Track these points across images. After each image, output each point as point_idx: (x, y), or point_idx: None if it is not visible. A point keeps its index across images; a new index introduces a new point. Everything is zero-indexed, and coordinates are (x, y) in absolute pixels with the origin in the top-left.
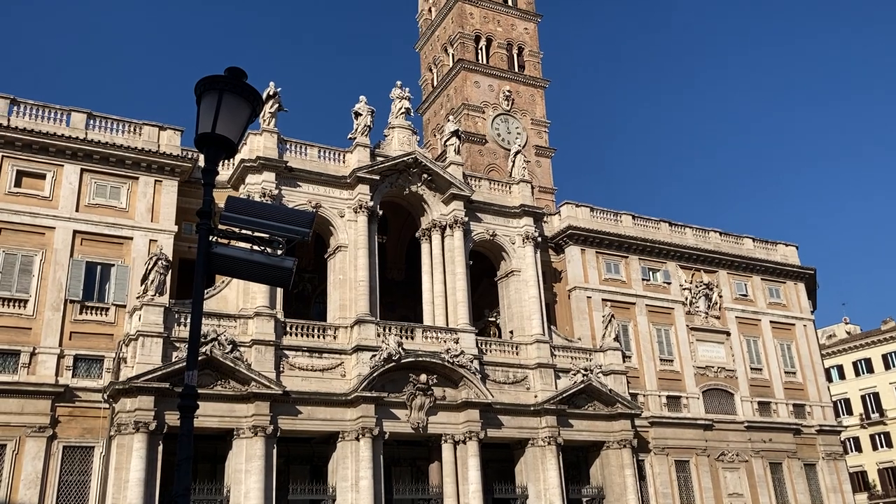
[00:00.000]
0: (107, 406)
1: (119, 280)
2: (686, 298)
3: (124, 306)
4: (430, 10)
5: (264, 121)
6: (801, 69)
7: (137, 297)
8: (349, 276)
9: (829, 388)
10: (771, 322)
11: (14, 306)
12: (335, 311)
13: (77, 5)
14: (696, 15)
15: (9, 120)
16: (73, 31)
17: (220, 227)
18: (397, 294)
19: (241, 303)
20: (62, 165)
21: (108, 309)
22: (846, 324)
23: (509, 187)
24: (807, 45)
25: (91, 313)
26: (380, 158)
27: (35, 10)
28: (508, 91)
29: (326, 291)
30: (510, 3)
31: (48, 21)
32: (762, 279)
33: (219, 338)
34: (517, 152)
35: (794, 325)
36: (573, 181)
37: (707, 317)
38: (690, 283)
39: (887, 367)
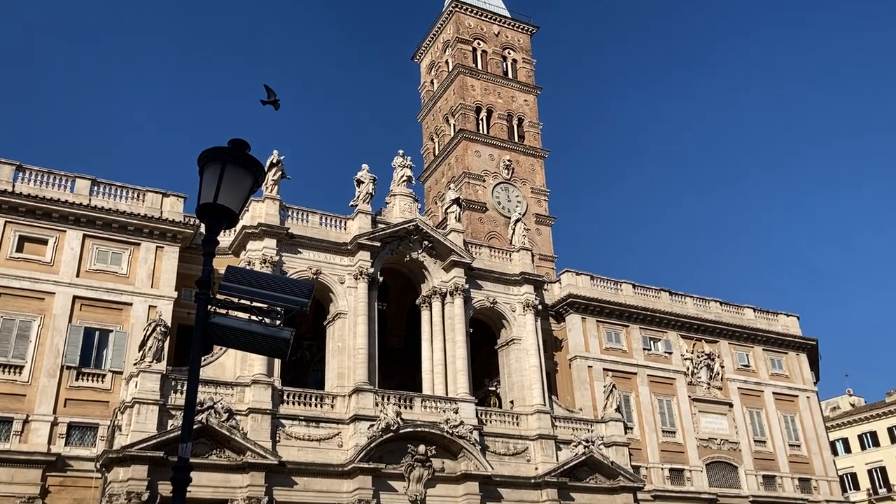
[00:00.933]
0: (99, 476)
1: (117, 346)
2: (688, 369)
3: (121, 373)
4: (432, 83)
5: (267, 188)
6: (801, 141)
7: (135, 364)
8: (348, 344)
9: (834, 461)
10: (774, 393)
11: (9, 372)
12: (333, 379)
13: (84, 73)
14: (693, 82)
15: (13, 186)
16: (83, 99)
17: (219, 296)
18: (396, 362)
19: (238, 370)
20: (65, 231)
21: (104, 375)
22: (850, 395)
23: (510, 255)
24: (805, 113)
25: (87, 380)
26: (381, 225)
27: (43, 75)
28: (508, 160)
29: (325, 359)
30: (510, 76)
31: (57, 88)
32: (764, 350)
33: (215, 406)
34: (517, 220)
35: (797, 396)
36: (573, 249)
37: (709, 387)
38: (692, 353)
39: (893, 440)
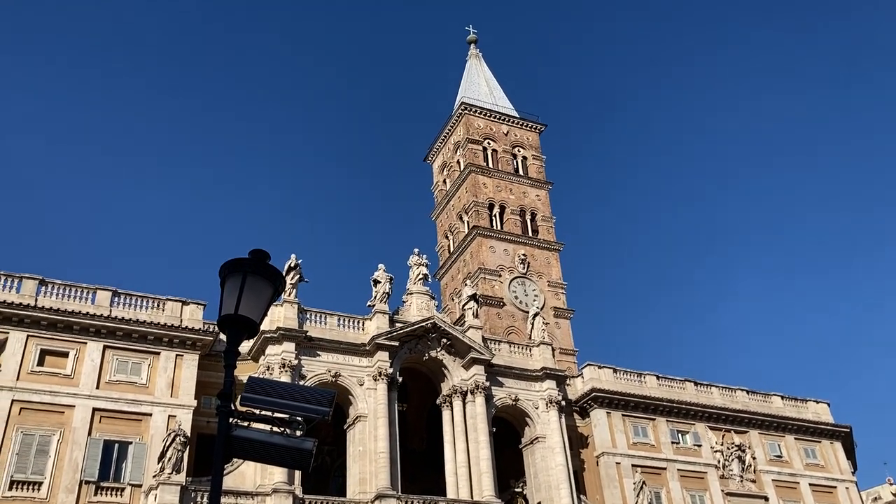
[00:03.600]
0: None
1: (136, 458)
2: (718, 461)
3: (140, 486)
4: (444, 182)
5: (285, 292)
6: (823, 231)
7: (154, 476)
8: (369, 448)
9: None
10: (811, 485)
11: (28, 489)
12: (355, 485)
13: (103, 186)
14: (700, 163)
15: (36, 300)
16: (102, 212)
17: (241, 408)
18: (419, 465)
19: (258, 479)
20: (85, 343)
21: (123, 489)
22: (891, 484)
23: (530, 350)
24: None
25: (106, 494)
26: (399, 324)
27: (64, 191)
28: (524, 255)
29: (346, 464)
30: (521, 172)
31: (78, 203)
32: (796, 439)
33: None
34: (535, 314)
35: (835, 487)
36: (594, 342)
37: (742, 480)
38: (721, 444)
39: None
